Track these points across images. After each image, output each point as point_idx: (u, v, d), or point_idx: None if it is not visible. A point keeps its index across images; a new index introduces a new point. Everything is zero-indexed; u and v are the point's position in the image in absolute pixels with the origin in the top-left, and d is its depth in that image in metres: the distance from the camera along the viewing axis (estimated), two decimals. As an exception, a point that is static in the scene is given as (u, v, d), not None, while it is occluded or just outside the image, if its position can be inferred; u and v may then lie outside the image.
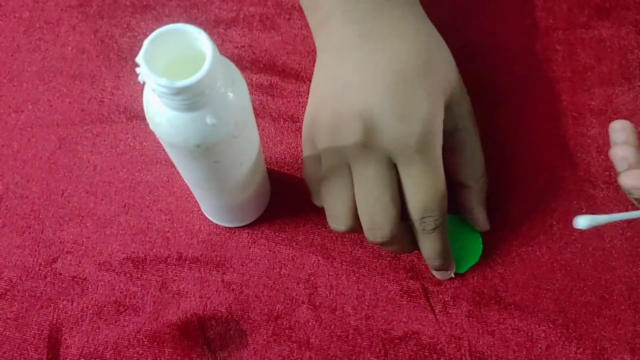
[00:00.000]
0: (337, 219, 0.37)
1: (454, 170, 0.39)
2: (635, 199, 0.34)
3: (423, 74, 0.36)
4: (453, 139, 0.38)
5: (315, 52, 0.44)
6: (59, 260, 0.41)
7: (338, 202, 0.37)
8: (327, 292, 0.41)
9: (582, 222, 0.31)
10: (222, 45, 0.47)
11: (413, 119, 0.35)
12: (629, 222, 0.42)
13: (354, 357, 0.39)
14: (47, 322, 0.40)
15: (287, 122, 0.45)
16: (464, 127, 0.39)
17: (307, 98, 0.45)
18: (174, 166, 0.36)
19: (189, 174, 0.35)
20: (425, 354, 0.39)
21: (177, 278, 0.41)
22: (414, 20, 0.38)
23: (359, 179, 0.36)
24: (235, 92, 0.29)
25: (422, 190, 0.35)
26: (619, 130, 0.35)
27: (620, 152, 0.34)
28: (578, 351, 0.39)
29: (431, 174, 0.35)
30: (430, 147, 0.35)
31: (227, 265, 0.41)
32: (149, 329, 0.40)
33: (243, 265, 0.41)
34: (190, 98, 0.26)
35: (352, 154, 0.35)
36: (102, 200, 0.43)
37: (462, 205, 0.40)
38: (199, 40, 0.26)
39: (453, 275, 0.40)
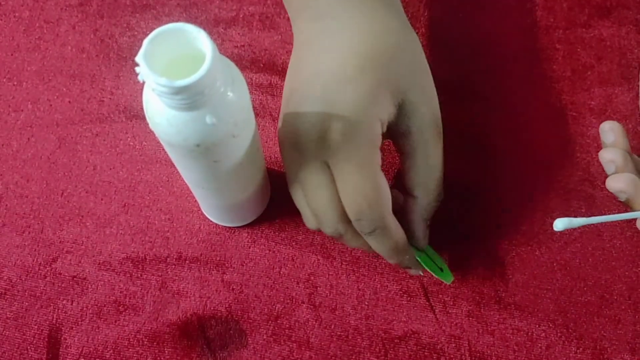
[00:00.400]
0: (305, 218, 0.37)
1: (403, 176, 0.37)
2: (625, 200, 0.34)
3: (365, 69, 0.34)
4: (405, 142, 0.36)
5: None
6: (58, 259, 0.41)
7: (300, 203, 0.37)
8: (327, 292, 0.41)
9: (559, 224, 0.31)
10: (221, 44, 0.47)
11: (333, 116, 0.33)
12: (629, 222, 0.42)
13: (353, 357, 0.39)
14: (47, 322, 0.40)
15: (287, 122, 0.45)
16: (419, 132, 0.36)
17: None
18: (174, 166, 0.36)
19: (188, 173, 0.34)
20: (425, 353, 0.39)
21: (177, 278, 0.41)
22: (381, 16, 0.36)
23: (299, 183, 0.35)
24: (235, 92, 0.29)
25: (350, 191, 0.33)
26: (608, 130, 0.35)
27: (608, 155, 0.34)
28: (578, 351, 0.39)
29: (358, 174, 0.33)
30: (354, 144, 0.33)
31: (227, 264, 0.41)
32: (149, 328, 0.40)
33: (243, 265, 0.41)
34: (189, 97, 0.26)
35: (290, 158, 0.35)
36: (101, 199, 0.43)
37: (403, 215, 0.37)
38: (199, 39, 0.26)
39: (421, 273, 0.39)
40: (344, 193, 0.34)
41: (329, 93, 0.33)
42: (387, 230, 0.35)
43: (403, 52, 0.36)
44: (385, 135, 0.35)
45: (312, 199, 0.35)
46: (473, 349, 0.39)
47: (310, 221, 0.37)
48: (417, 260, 0.38)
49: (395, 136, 0.36)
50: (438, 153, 0.37)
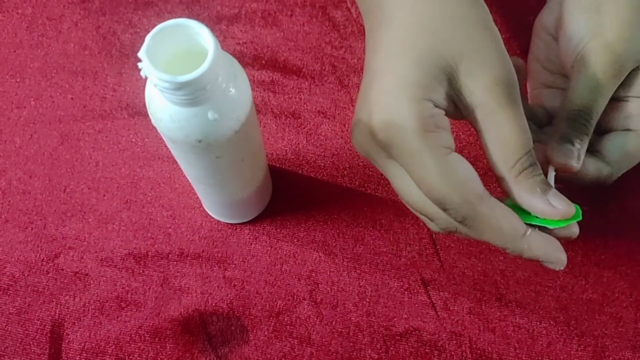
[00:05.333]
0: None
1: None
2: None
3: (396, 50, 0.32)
4: (469, 116, 0.32)
5: (317, 49, 0.44)
6: (61, 255, 0.41)
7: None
8: (328, 289, 0.41)
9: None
10: (224, 41, 0.47)
11: (372, 115, 0.31)
12: (632, 220, 0.42)
13: (354, 354, 0.39)
14: (49, 318, 0.40)
15: (288, 119, 0.45)
16: (479, 100, 0.31)
17: (308, 94, 0.45)
18: (176, 162, 0.36)
19: (190, 169, 0.35)
20: (426, 350, 0.39)
21: (178, 274, 0.41)
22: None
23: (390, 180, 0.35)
24: (237, 88, 0.29)
25: (420, 184, 0.31)
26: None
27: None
28: (579, 348, 0.39)
29: (418, 165, 0.30)
30: (400, 137, 0.31)
31: (228, 261, 0.41)
32: (151, 324, 0.40)
33: (244, 262, 0.41)
34: (192, 93, 0.26)
35: (374, 164, 0.34)
36: (104, 196, 0.43)
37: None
38: (201, 35, 0.26)
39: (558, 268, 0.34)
40: (419, 186, 0.31)
41: (365, 89, 0.32)
42: (479, 217, 0.30)
43: (452, 17, 0.31)
44: (456, 114, 0.32)
45: (402, 197, 0.33)
46: (474, 346, 0.39)
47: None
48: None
49: (461, 112, 0.32)
50: (510, 124, 0.31)
